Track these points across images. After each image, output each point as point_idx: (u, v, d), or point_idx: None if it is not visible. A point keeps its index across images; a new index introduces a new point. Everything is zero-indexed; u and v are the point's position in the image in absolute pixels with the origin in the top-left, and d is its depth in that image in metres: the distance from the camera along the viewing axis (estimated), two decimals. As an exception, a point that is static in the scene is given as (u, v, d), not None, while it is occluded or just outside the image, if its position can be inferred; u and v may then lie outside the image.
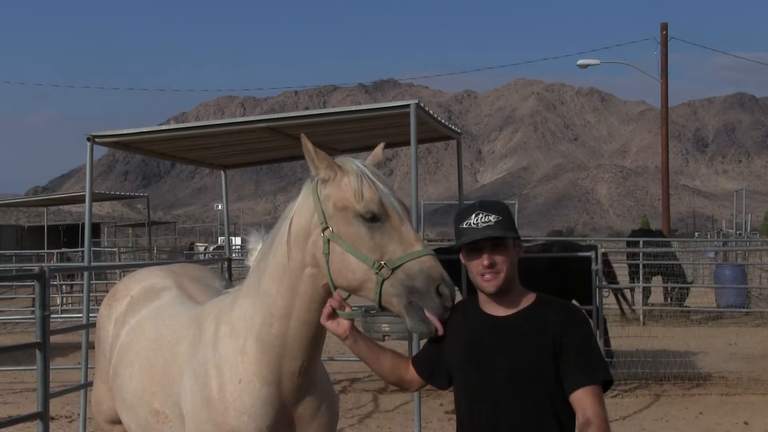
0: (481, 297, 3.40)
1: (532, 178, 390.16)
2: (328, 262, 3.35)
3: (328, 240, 3.34)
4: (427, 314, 3.19)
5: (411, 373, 3.56)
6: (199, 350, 3.78)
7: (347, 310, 3.39)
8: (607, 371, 3.27)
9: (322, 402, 3.74)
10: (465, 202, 12.81)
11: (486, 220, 3.26)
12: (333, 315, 3.41)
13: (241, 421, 3.56)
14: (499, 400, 3.25)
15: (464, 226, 3.31)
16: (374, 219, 3.29)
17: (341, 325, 3.39)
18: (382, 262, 3.22)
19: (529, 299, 3.36)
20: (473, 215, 3.30)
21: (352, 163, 3.46)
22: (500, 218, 3.27)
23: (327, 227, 3.36)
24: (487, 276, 3.27)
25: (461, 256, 3.38)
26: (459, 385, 3.41)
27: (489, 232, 3.24)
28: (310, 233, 3.42)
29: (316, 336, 3.54)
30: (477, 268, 3.29)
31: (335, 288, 3.39)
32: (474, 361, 3.32)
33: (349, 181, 3.38)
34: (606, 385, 3.26)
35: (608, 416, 3.18)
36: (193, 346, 3.84)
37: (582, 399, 3.17)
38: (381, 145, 3.79)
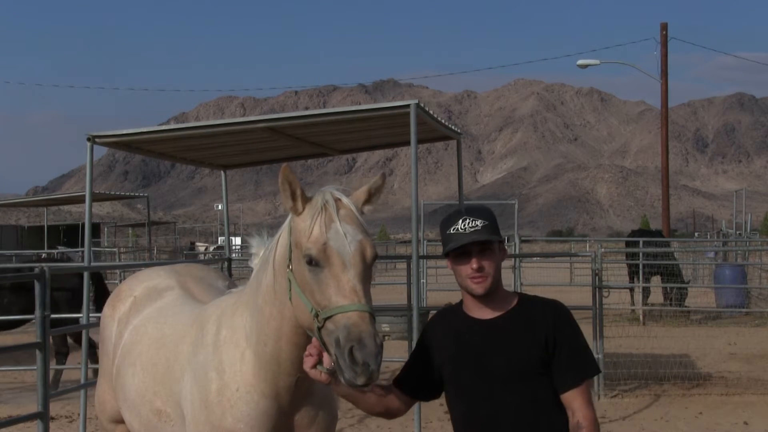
0: (467, 302, 3.45)
1: (532, 178, 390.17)
2: (291, 299, 3.34)
3: (289, 280, 3.32)
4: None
5: (396, 398, 3.54)
6: (200, 351, 3.80)
7: (324, 357, 3.24)
8: (594, 367, 3.42)
9: (320, 408, 3.75)
10: (465, 202, 12.85)
11: (473, 225, 3.33)
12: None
13: (238, 427, 3.59)
14: (498, 401, 3.29)
15: (452, 231, 3.36)
16: (312, 263, 3.19)
17: (323, 373, 3.24)
18: (318, 311, 3.16)
19: (513, 299, 3.44)
20: (460, 221, 3.36)
21: (322, 197, 3.30)
22: (486, 223, 3.35)
23: (290, 265, 3.32)
24: (477, 279, 3.33)
25: (448, 262, 3.41)
26: (454, 391, 3.44)
27: (476, 236, 3.31)
28: (285, 263, 3.39)
29: None
30: (466, 272, 3.35)
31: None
32: (469, 366, 3.35)
33: (304, 217, 3.29)
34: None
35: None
36: (194, 347, 3.86)
37: (572, 401, 3.30)
38: (379, 176, 3.51)
